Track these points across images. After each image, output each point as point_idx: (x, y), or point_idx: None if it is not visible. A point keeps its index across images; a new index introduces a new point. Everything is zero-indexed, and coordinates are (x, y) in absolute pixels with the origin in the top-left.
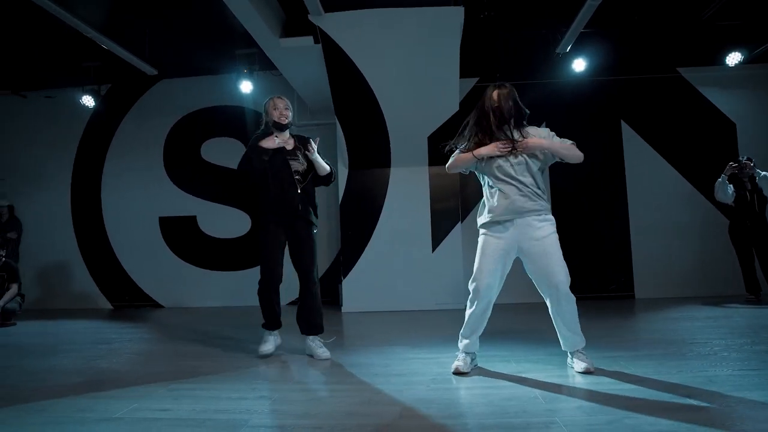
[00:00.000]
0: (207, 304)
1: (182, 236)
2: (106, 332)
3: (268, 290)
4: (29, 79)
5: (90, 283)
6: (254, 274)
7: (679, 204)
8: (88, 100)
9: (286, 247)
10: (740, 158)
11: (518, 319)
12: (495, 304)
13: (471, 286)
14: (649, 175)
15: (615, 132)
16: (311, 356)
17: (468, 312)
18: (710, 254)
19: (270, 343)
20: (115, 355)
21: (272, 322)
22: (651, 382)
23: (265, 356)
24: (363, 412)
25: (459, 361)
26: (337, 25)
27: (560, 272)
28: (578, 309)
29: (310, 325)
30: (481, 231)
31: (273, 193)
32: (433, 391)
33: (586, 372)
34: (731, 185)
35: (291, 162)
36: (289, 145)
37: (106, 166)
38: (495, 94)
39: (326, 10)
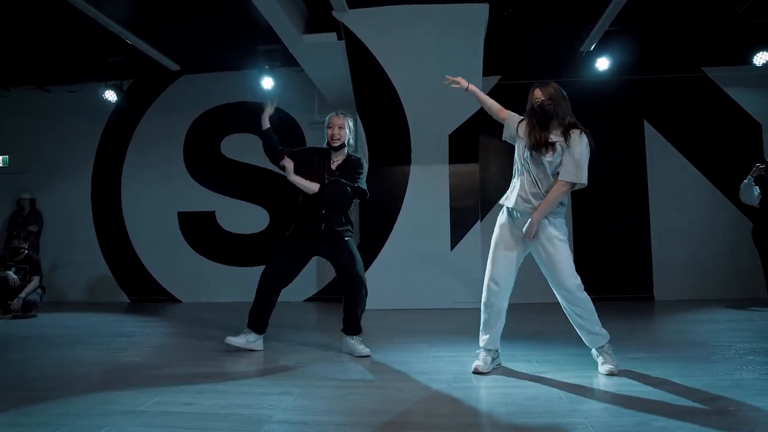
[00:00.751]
0: (224, 299)
1: (201, 231)
2: (125, 325)
3: (269, 290)
4: (53, 73)
5: (108, 276)
6: None
7: (701, 205)
8: (110, 95)
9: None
10: (767, 159)
11: (539, 319)
12: (514, 304)
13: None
14: (671, 176)
15: (638, 132)
16: (350, 354)
17: (482, 305)
18: (732, 256)
19: (241, 338)
20: (136, 348)
21: (259, 323)
22: (675, 385)
23: (229, 345)
24: (387, 410)
25: (479, 361)
26: (361, 22)
27: (568, 277)
28: (597, 310)
29: (352, 325)
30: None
31: (303, 212)
32: (456, 390)
33: (610, 374)
34: (757, 187)
35: (323, 175)
36: (335, 165)
37: (127, 161)
38: (536, 92)
39: (350, 7)
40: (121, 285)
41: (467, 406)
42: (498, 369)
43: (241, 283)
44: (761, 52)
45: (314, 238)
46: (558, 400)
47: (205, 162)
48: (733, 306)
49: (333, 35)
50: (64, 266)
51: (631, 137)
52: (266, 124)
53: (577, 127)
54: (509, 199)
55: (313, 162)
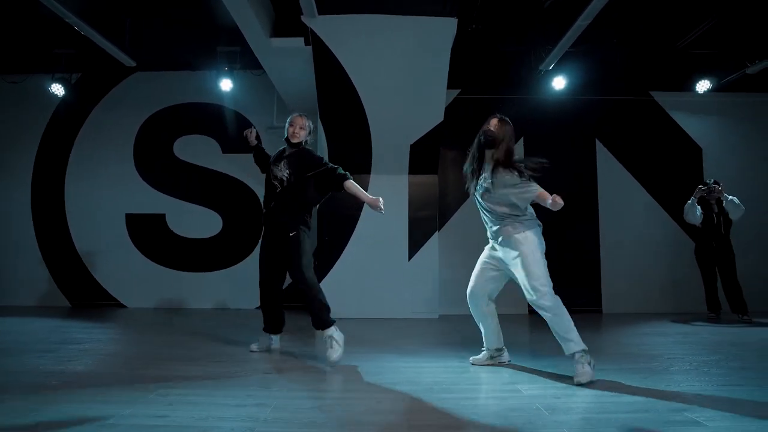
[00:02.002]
0: (174, 305)
1: (150, 234)
2: (71, 332)
3: (261, 294)
4: None
5: (47, 279)
6: (224, 275)
7: (647, 223)
8: (57, 89)
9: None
10: (708, 181)
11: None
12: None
13: None
14: (620, 194)
15: (590, 150)
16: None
17: None
18: (675, 273)
19: (261, 343)
20: (89, 357)
21: (268, 324)
22: (644, 396)
23: (252, 352)
24: (371, 421)
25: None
26: (330, 28)
27: (530, 289)
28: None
29: (313, 320)
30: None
31: (265, 202)
32: (435, 400)
33: (578, 384)
34: (699, 207)
35: (273, 168)
36: (283, 155)
37: (72, 158)
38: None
39: (320, 12)
40: (61, 289)
41: (450, 416)
42: (473, 377)
43: (191, 289)
44: (702, 80)
45: (271, 223)
46: (537, 411)
47: (156, 163)
48: (676, 320)
49: (300, 40)
50: None
51: (583, 155)
52: (253, 142)
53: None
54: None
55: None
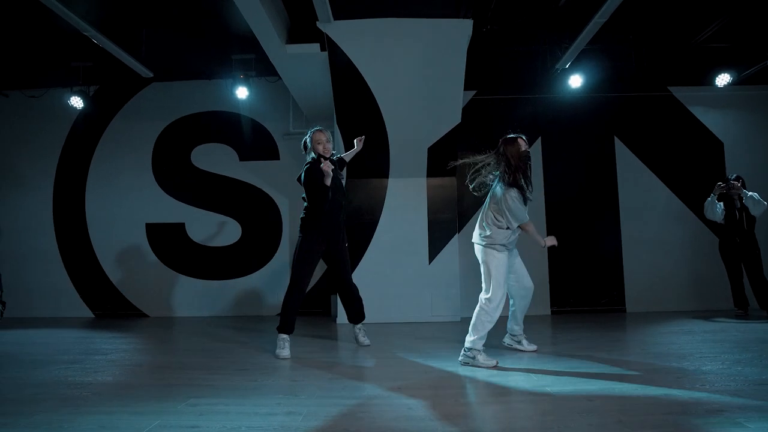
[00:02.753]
0: (194, 313)
1: (170, 243)
2: (97, 342)
3: (299, 298)
4: (12, 77)
5: (71, 290)
6: (242, 283)
7: (669, 220)
8: (76, 101)
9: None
10: (729, 177)
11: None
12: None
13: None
14: (640, 191)
15: (608, 147)
16: (356, 341)
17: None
18: (699, 270)
19: (287, 348)
20: (116, 367)
21: (291, 327)
22: (681, 396)
23: (285, 359)
24: (404, 428)
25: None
26: (345, 34)
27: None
28: (571, 321)
29: (358, 315)
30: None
31: (328, 211)
32: (464, 405)
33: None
34: (720, 203)
35: (337, 186)
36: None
37: (92, 170)
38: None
39: (335, 18)
40: (84, 299)
41: (484, 421)
42: (504, 380)
43: (211, 297)
44: (722, 74)
45: (337, 231)
46: (570, 414)
47: (174, 172)
48: (700, 317)
49: (316, 46)
50: (21, 280)
51: (602, 152)
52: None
53: None
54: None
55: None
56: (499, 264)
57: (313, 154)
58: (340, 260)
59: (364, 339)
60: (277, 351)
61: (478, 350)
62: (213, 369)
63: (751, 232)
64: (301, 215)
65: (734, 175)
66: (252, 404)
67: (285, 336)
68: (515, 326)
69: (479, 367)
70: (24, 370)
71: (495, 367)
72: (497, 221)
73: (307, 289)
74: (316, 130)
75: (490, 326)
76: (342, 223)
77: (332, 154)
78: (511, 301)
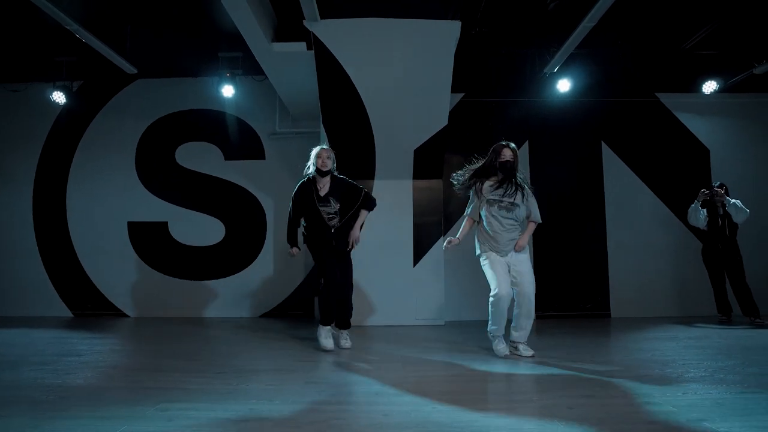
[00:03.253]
0: (176, 314)
1: (152, 243)
2: (72, 343)
3: (330, 294)
4: None
5: (49, 288)
6: (225, 284)
7: (655, 225)
8: (59, 97)
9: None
10: (713, 185)
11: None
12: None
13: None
14: (627, 196)
15: (596, 152)
16: (337, 346)
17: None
18: (683, 275)
19: (330, 338)
20: (88, 369)
21: (329, 319)
22: (663, 404)
23: (329, 350)
24: None
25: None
26: (332, 33)
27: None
28: (555, 327)
29: (345, 322)
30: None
31: (313, 235)
32: (441, 413)
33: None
34: (704, 210)
35: (321, 209)
36: (324, 191)
37: (74, 166)
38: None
39: (322, 17)
40: (63, 298)
41: (461, 429)
42: (483, 387)
43: (193, 298)
44: (709, 81)
45: (330, 251)
46: (550, 422)
47: (158, 170)
48: (683, 323)
49: (303, 45)
50: None
51: (589, 157)
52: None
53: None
54: (497, 245)
55: (304, 202)
56: (485, 266)
57: (311, 169)
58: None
59: (345, 342)
60: (321, 341)
61: (495, 336)
62: (189, 372)
63: (733, 239)
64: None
65: (718, 183)
66: (223, 409)
67: (324, 327)
68: (513, 331)
69: (520, 356)
70: None
71: (506, 357)
72: None
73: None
74: (324, 147)
75: (499, 316)
76: (333, 245)
77: (330, 171)
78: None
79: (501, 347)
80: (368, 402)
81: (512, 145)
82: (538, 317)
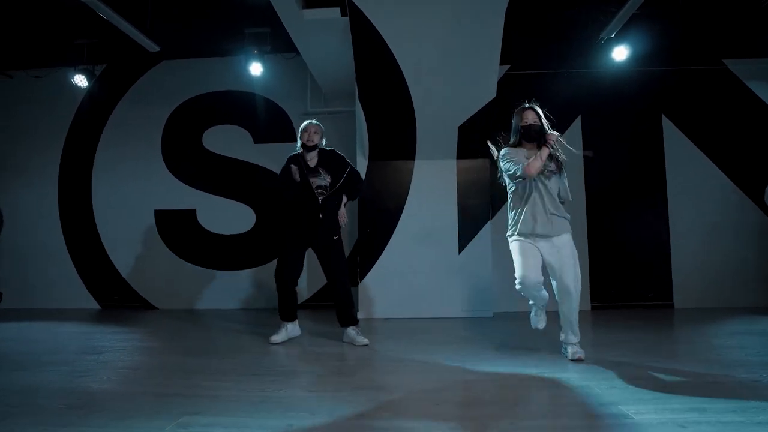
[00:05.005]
0: (205, 305)
1: (180, 231)
2: (95, 338)
3: (283, 280)
4: (16, 57)
5: (76, 280)
6: (258, 273)
7: (724, 207)
8: (80, 80)
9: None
10: None
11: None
12: None
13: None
14: (691, 176)
15: (655, 127)
16: (350, 343)
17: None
18: (756, 261)
19: (282, 334)
20: (106, 370)
21: (286, 312)
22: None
23: (275, 344)
24: None
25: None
26: None
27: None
28: (614, 319)
29: (345, 317)
30: None
31: (298, 208)
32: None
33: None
34: None
35: (312, 179)
36: (312, 163)
37: (99, 154)
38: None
39: None
40: (90, 290)
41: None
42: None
43: (224, 288)
44: None
45: (315, 228)
46: None
47: (185, 156)
48: (759, 313)
49: (336, 11)
50: (25, 270)
51: (648, 133)
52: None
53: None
54: (535, 225)
55: (292, 170)
56: (513, 250)
57: (298, 144)
58: (323, 256)
59: (358, 338)
60: (272, 336)
61: (534, 306)
62: (217, 374)
63: None
64: None
65: None
66: (257, 425)
67: (282, 322)
68: (561, 333)
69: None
70: (5, 373)
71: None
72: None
73: (294, 273)
74: (310, 122)
75: (533, 296)
76: (321, 220)
77: (317, 146)
78: None
79: (535, 318)
80: (424, 413)
81: (534, 106)
82: (594, 308)
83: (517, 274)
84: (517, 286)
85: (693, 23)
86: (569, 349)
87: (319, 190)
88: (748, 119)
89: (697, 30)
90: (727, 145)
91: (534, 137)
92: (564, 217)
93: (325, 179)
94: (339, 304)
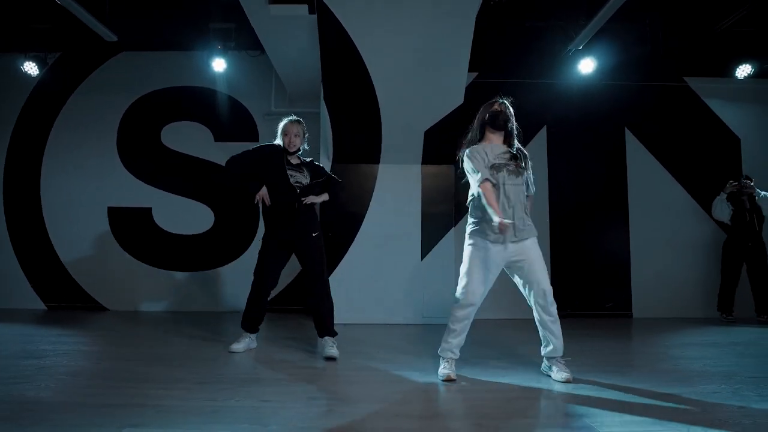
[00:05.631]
0: (159, 308)
1: (134, 230)
2: (37, 341)
3: (258, 289)
4: None
5: (21, 278)
6: (216, 275)
7: (682, 219)
8: (31, 68)
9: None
10: (742, 177)
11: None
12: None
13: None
14: (652, 188)
15: (619, 140)
16: (324, 355)
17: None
18: (712, 273)
19: (243, 343)
20: (45, 377)
21: (251, 325)
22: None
23: (233, 353)
24: None
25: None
26: None
27: (548, 291)
28: (575, 327)
29: (324, 326)
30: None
31: (274, 203)
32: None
33: (567, 381)
34: (729, 203)
35: (291, 173)
36: (296, 161)
37: (49, 146)
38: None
39: None
40: (35, 289)
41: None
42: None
43: (178, 290)
44: (743, 65)
45: (293, 224)
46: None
47: (142, 152)
48: (712, 324)
49: (304, 8)
50: None
51: (611, 146)
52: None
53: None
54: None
55: (272, 162)
56: (468, 256)
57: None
58: (302, 256)
59: (331, 350)
60: (232, 344)
61: (445, 357)
62: (165, 382)
63: (760, 234)
64: None
65: (744, 175)
66: None
67: (244, 332)
68: (545, 347)
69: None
70: None
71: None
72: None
73: (270, 287)
74: (292, 120)
75: (459, 329)
76: (298, 212)
77: (298, 150)
78: None
79: (448, 371)
80: (383, 425)
81: (506, 102)
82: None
83: (459, 287)
84: (457, 303)
85: (657, 41)
86: (555, 369)
87: (297, 184)
88: (705, 135)
89: (661, 47)
90: (685, 160)
91: (501, 126)
92: (530, 223)
93: (305, 177)
94: (324, 315)
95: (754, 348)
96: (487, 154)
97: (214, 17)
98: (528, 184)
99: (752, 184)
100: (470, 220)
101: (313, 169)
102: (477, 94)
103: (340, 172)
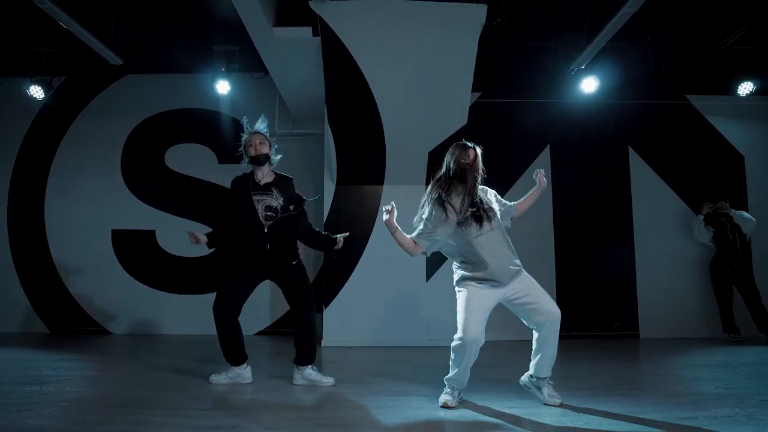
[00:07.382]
0: (163, 331)
1: (138, 253)
2: (40, 366)
3: (217, 317)
4: None
5: (24, 302)
6: None
7: (687, 238)
8: (36, 91)
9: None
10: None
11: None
12: None
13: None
14: (656, 206)
15: (622, 159)
16: (311, 383)
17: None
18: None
19: (223, 375)
20: (47, 404)
21: (231, 355)
22: None
23: (213, 384)
24: None
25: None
26: (342, 15)
27: (553, 309)
28: (580, 348)
29: (304, 355)
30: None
31: (240, 237)
32: None
33: (559, 405)
34: (709, 225)
35: (257, 199)
36: (264, 180)
37: (53, 169)
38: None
39: None
40: (39, 313)
41: None
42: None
43: (183, 313)
44: (745, 83)
45: (264, 259)
46: None
47: (146, 174)
48: (720, 344)
49: (308, 30)
50: None
51: (615, 164)
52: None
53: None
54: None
55: (241, 195)
56: (461, 297)
57: (245, 161)
58: (283, 286)
59: (325, 379)
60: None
61: (452, 387)
62: (168, 408)
63: (744, 253)
64: None
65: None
66: None
67: (231, 367)
68: (535, 367)
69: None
70: None
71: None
72: None
73: (233, 312)
74: (251, 132)
75: (463, 365)
76: (270, 251)
77: (269, 157)
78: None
79: (448, 398)
80: None
81: (476, 147)
82: (560, 337)
83: (458, 329)
84: (455, 343)
85: (659, 59)
86: (546, 391)
87: (267, 213)
88: (709, 153)
89: (663, 66)
90: (689, 178)
91: (471, 177)
92: (518, 262)
93: (276, 200)
94: (307, 344)
95: (764, 368)
96: (447, 216)
97: (218, 40)
98: (502, 218)
99: (727, 204)
100: (453, 269)
101: (285, 190)
102: (480, 114)
103: (344, 193)
